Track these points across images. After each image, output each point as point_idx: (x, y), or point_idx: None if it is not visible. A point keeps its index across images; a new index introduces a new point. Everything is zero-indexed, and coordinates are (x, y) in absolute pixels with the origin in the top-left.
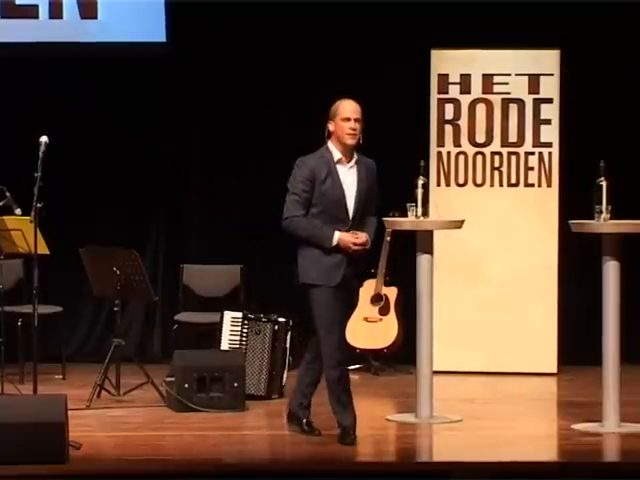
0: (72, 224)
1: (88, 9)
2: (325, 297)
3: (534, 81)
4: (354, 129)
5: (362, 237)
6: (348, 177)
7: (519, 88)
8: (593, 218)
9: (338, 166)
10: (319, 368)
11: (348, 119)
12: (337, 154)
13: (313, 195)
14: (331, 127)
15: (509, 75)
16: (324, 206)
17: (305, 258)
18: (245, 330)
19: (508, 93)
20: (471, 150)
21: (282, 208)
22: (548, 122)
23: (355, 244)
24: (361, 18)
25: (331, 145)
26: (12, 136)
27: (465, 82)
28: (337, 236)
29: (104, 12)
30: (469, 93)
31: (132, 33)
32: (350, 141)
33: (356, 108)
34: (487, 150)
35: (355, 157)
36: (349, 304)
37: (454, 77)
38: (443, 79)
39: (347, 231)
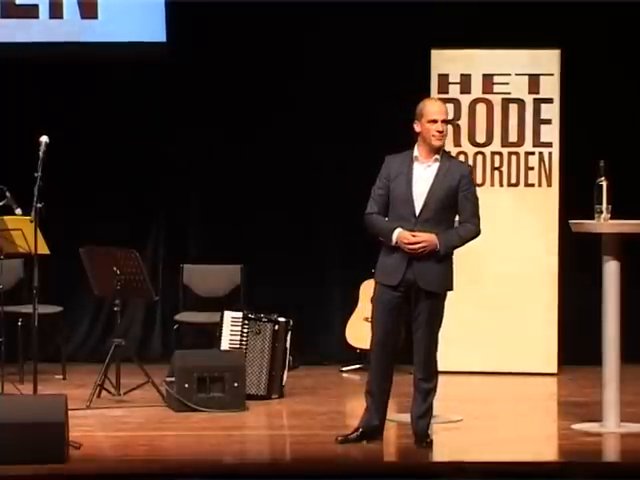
0: (72, 224)
1: (88, 9)
2: (382, 295)
3: (534, 81)
4: (440, 131)
5: (420, 237)
6: (423, 176)
7: (519, 88)
8: (593, 218)
9: (415, 164)
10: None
11: (435, 121)
12: (416, 152)
13: (389, 192)
14: (417, 128)
15: (509, 75)
16: (393, 204)
17: (380, 254)
18: (245, 330)
19: (508, 93)
20: (471, 150)
21: (282, 208)
22: (548, 122)
23: (410, 243)
24: (361, 18)
25: (417, 144)
26: (12, 136)
27: (465, 82)
28: (396, 233)
29: (104, 12)
30: (469, 93)
31: (132, 33)
32: (437, 142)
33: (442, 109)
34: (487, 150)
35: (439, 157)
36: (418, 312)
37: (454, 77)
38: (443, 79)
39: (412, 230)
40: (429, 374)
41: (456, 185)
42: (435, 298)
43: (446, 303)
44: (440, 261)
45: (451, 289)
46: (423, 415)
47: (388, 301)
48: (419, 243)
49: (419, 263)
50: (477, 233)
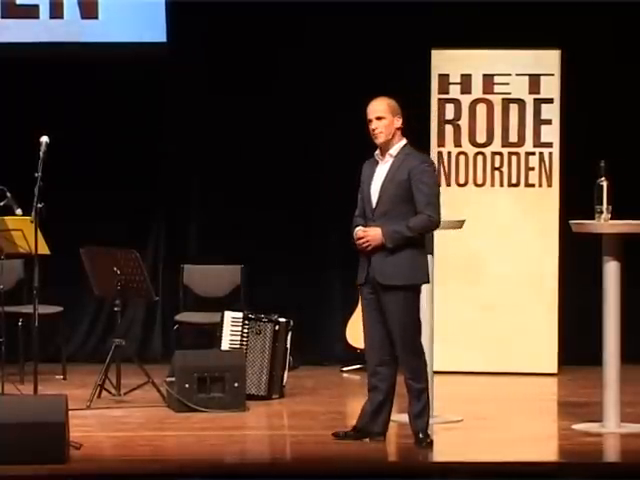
0: (72, 224)
1: (89, 9)
2: (360, 295)
3: (534, 81)
4: (375, 129)
5: (364, 232)
6: (380, 173)
7: (519, 88)
8: (593, 218)
9: (378, 164)
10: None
11: (370, 120)
12: (377, 152)
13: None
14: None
15: (509, 75)
16: (363, 203)
17: None
18: (246, 330)
19: (509, 93)
20: (472, 150)
21: (282, 208)
22: (548, 122)
23: (358, 238)
24: (361, 18)
25: None
26: (12, 136)
27: (465, 82)
28: (354, 231)
29: (105, 12)
30: (470, 93)
31: (132, 33)
32: (377, 140)
33: (375, 107)
34: (488, 150)
35: (393, 153)
36: (384, 309)
37: (454, 77)
38: (443, 79)
39: (370, 227)
40: (414, 373)
41: (407, 178)
42: (397, 292)
43: (446, 303)
44: (395, 253)
45: (418, 282)
46: (419, 414)
47: (364, 300)
48: (363, 238)
49: (375, 258)
50: (432, 222)
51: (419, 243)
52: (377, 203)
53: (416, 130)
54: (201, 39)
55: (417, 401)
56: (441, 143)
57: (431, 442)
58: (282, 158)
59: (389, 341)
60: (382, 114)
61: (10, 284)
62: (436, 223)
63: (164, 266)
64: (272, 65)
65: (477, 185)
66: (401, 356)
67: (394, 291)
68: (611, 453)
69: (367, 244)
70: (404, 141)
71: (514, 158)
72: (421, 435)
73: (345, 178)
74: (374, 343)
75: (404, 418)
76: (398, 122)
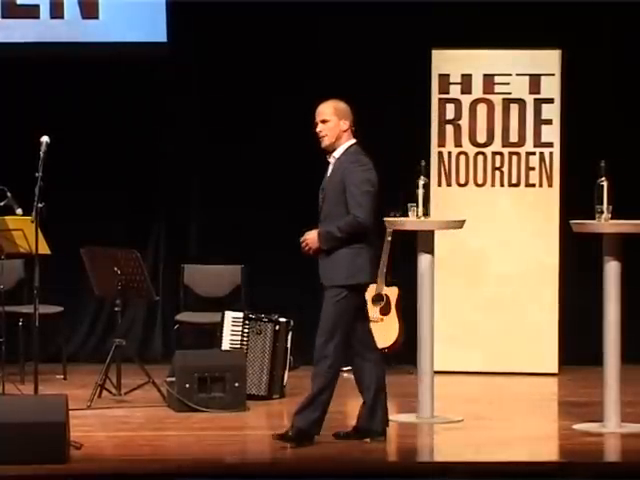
0: (73, 224)
1: (89, 9)
2: None
3: (535, 81)
4: (320, 132)
5: (304, 236)
6: (326, 175)
7: (520, 88)
8: (594, 218)
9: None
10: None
11: (316, 123)
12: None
13: None
14: None
15: (510, 75)
16: None
17: None
18: (246, 330)
19: (509, 93)
20: (472, 150)
21: (282, 208)
22: (549, 122)
23: (301, 242)
24: (361, 18)
25: None
26: (13, 136)
27: (466, 82)
28: None
29: (105, 12)
30: (470, 93)
31: (133, 33)
32: (321, 144)
33: (320, 110)
34: (488, 150)
35: (338, 155)
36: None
37: (455, 77)
38: (444, 79)
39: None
40: (314, 372)
41: (340, 180)
42: (331, 291)
43: (446, 303)
44: (332, 254)
45: (353, 283)
46: (299, 410)
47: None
48: (304, 242)
49: (320, 261)
50: (358, 223)
51: (358, 243)
52: (321, 205)
53: (416, 130)
54: (201, 39)
55: (307, 398)
56: (441, 143)
57: (294, 438)
58: (282, 158)
59: (350, 342)
60: (327, 117)
61: (10, 284)
62: (363, 223)
63: (164, 266)
64: (272, 65)
65: (477, 185)
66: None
67: (330, 290)
68: (611, 453)
69: (307, 247)
70: (350, 142)
71: (514, 158)
72: (290, 433)
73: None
74: (319, 342)
75: (404, 418)
76: (345, 125)
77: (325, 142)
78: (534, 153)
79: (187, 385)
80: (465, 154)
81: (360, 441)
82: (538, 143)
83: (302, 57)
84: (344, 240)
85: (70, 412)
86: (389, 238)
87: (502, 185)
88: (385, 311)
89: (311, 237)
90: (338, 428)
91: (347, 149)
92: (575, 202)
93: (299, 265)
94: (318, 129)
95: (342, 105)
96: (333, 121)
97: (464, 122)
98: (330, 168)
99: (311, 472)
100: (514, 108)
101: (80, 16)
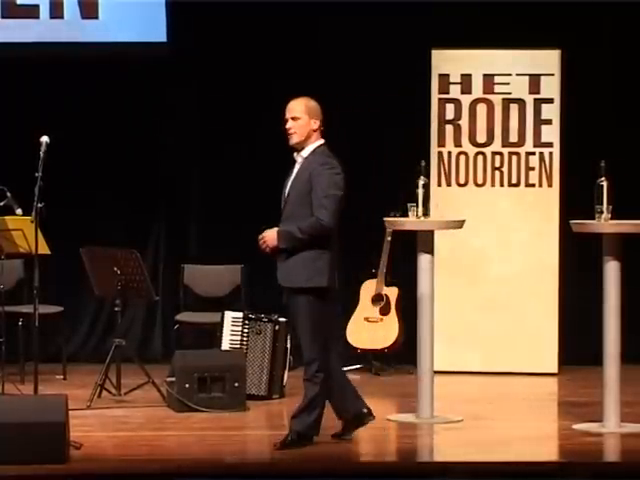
0: (73, 224)
1: (89, 9)
2: None
3: (535, 81)
4: (289, 128)
5: (263, 234)
6: (291, 174)
7: (520, 88)
8: (594, 218)
9: (295, 164)
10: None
11: (286, 119)
12: (295, 152)
13: None
14: None
15: (510, 75)
16: None
17: None
18: (246, 330)
19: (509, 93)
20: (472, 150)
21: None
22: (549, 122)
23: (259, 240)
24: (361, 18)
25: None
26: (12, 136)
27: (466, 82)
28: None
29: (105, 12)
30: (470, 93)
31: (132, 33)
32: (289, 141)
33: (291, 106)
34: (488, 150)
35: (306, 155)
36: (290, 309)
37: (455, 77)
38: (444, 79)
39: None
40: (306, 376)
41: (307, 180)
42: (292, 294)
43: (446, 303)
44: (294, 255)
45: (313, 285)
46: (296, 414)
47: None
48: (262, 239)
49: (279, 261)
50: (321, 225)
51: (319, 246)
52: (285, 204)
53: (416, 130)
54: (201, 39)
55: (303, 403)
56: (441, 143)
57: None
58: (282, 158)
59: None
60: (298, 114)
61: (10, 284)
62: (326, 227)
63: (164, 266)
64: (271, 65)
65: (477, 185)
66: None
67: (290, 293)
68: (611, 453)
69: (265, 245)
70: (319, 142)
71: (514, 158)
72: (290, 437)
73: (345, 178)
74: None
75: (404, 418)
76: (315, 124)
77: (294, 140)
78: (534, 153)
79: (187, 385)
80: (465, 154)
81: (360, 441)
82: (538, 143)
83: (302, 57)
84: (305, 242)
85: (70, 412)
86: (389, 238)
87: (502, 185)
88: (385, 311)
89: (270, 235)
90: (338, 428)
91: (315, 149)
92: (575, 202)
93: None
94: (288, 125)
95: (313, 103)
96: (304, 119)
97: (464, 122)
98: (296, 167)
99: (311, 472)
100: (514, 108)
101: (80, 16)
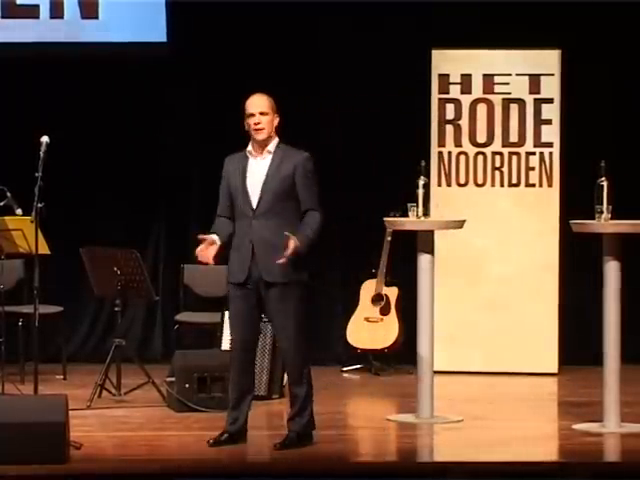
0: (73, 224)
1: (89, 9)
2: (231, 294)
3: (535, 81)
4: (258, 123)
5: (296, 242)
6: (256, 169)
7: (520, 88)
8: (594, 218)
9: (250, 159)
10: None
11: (252, 115)
12: (249, 148)
13: (230, 191)
14: (246, 126)
15: (510, 75)
16: (233, 201)
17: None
18: None
19: (509, 93)
20: (472, 150)
21: None
22: (549, 122)
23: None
24: (361, 18)
25: (250, 141)
26: (12, 136)
27: (466, 82)
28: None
29: (105, 12)
30: (470, 93)
31: (132, 33)
32: (258, 136)
33: (259, 102)
34: (488, 150)
35: (271, 150)
36: (274, 307)
37: (455, 77)
38: (444, 79)
39: (250, 225)
40: (295, 377)
41: (291, 174)
42: (281, 289)
43: (446, 303)
44: (278, 252)
45: (303, 279)
46: (291, 417)
47: (238, 299)
48: (294, 249)
49: (260, 257)
50: (322, 219)
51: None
52: (259, 200)
53: (416, 130)
54: (201, 39)
55: (294, 407)
56: (441, 143)
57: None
58: None
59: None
60: (266, 110)
61: (10, 284)
62: (323, 219)
63: (164, 266)
64: (271, 65)
65: (477, 185)
66: (288, 360)
67: (281, 289)
68: (611, 453)
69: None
70: (277, 139)
71: (514, 158)
72: (290, 438)
73: (345, 178)
74: (249, 343)
75: (403, 418)
76: (277, 120)
77: (263, 135)
78: (534, 153)
79: (187, 385)
80: (465, 154)
81: (359, 441)
82: (538, 143)
83: (302, 57)
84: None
85: (70, 412)
86: (389, 238)
87: (502, 185)
88: (385, 311)
89: (296, 245)
90: (338, 428)
91: (279, 144)
92: (575, 202)
93: None
94: (256, 120)
95: (272, 100)
96: (270, 115)
97: (464, 122)
98: (265, 162)
99: (311, 472)
100: (514, 108)
101: (80, 16)
